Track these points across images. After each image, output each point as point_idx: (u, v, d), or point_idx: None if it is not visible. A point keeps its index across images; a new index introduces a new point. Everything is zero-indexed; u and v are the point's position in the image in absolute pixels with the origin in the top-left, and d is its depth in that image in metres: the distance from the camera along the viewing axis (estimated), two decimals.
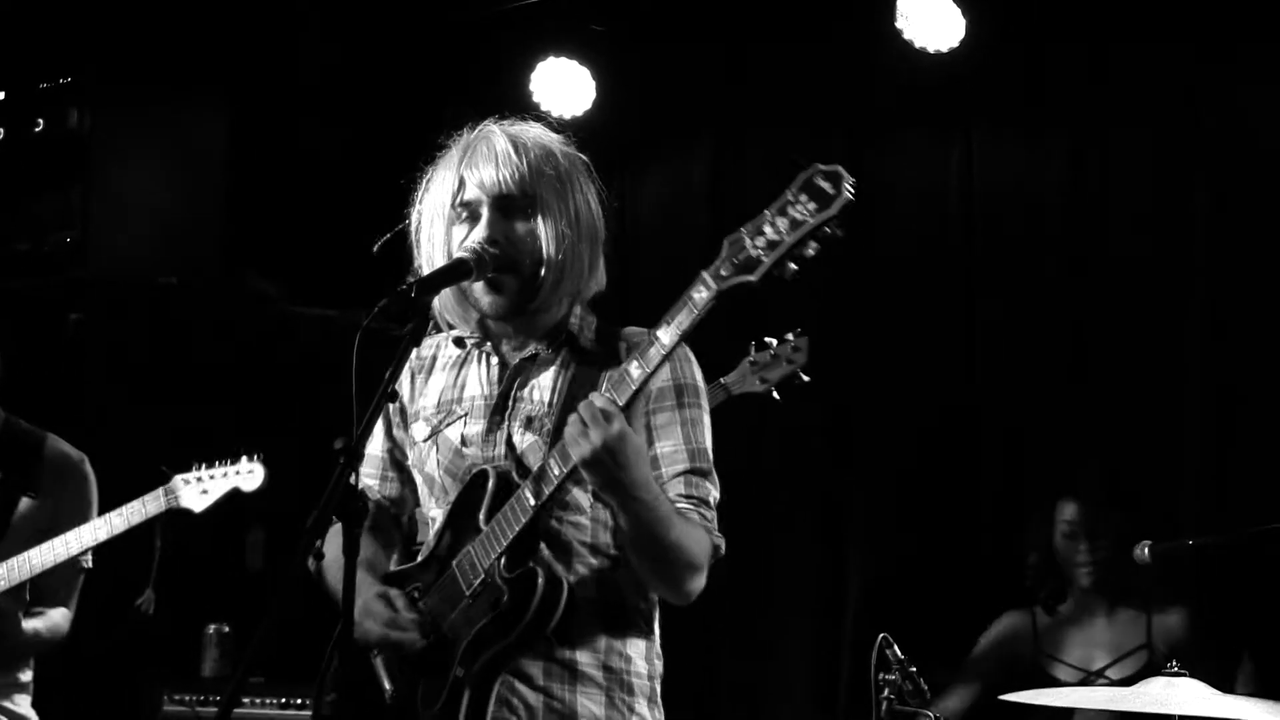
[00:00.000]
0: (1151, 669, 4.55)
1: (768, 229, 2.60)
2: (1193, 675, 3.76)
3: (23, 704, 4.35)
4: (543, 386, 3.03)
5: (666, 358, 2.73)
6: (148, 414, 5.85)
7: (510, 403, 3.04)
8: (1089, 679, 4.93)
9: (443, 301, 3.11)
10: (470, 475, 3.00)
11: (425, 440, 3.13)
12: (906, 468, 5.67)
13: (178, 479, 4.19)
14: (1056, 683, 4.92)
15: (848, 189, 2.55)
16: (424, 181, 3.18)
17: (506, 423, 3.03)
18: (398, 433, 3.23)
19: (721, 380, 4.39)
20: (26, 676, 4.37)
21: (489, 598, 2.85)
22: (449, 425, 3.09)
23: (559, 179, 3.08)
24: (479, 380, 3.11)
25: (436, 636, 2.92)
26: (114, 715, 5.55)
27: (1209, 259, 5.32)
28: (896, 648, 4.24)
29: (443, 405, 3.13)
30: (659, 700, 3.06)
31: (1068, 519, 5.04)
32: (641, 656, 3.02)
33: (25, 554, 4.17)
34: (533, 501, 2.83)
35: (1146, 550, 4.33)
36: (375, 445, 3.23)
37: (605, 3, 5.95)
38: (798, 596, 5.76)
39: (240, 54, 5.95)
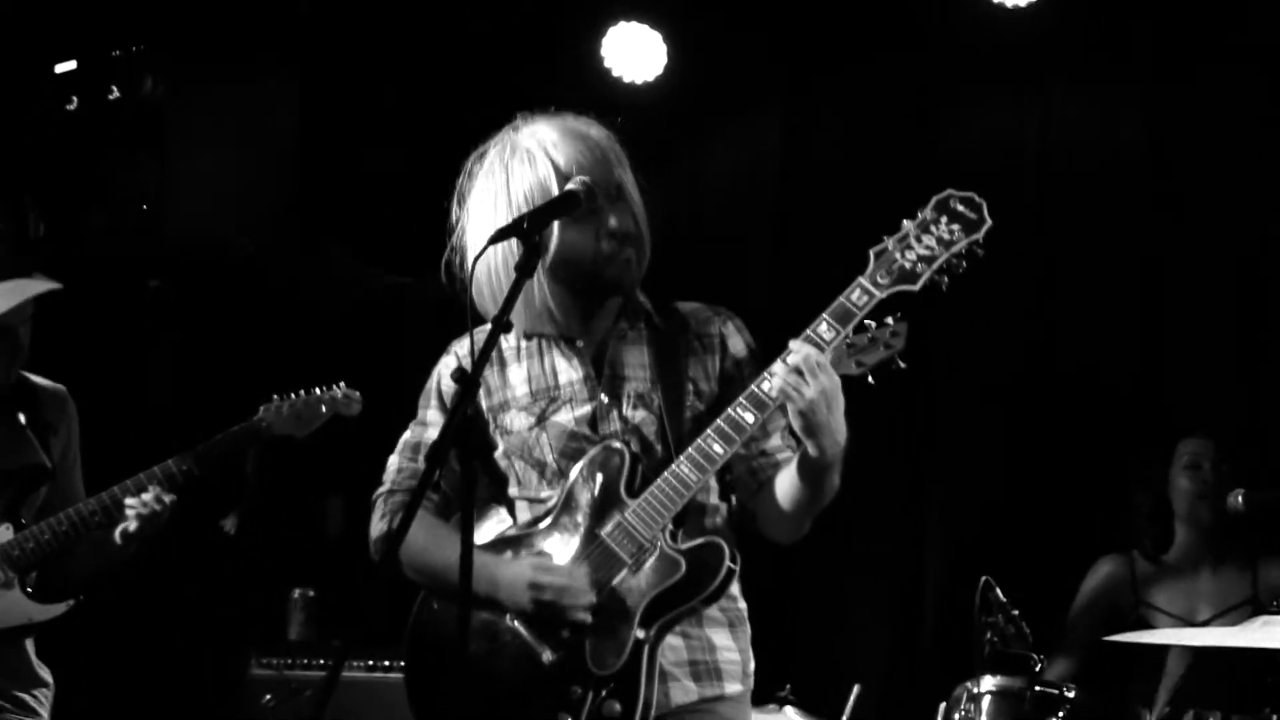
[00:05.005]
0: None
1: (917, 245, 2.96)
2: None
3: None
4: (637, 364, 3.15)
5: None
6: (225, 379, 5.84)
7: (613, 382, 3.13)
8: None
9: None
10: (600, 451, 3.08)
11: (531, 428, 3.15)
12: (988, 422, 5.64)
13: (266, 408, 4.15)
14: None
15: (988, 215, 2.98)
16: (497, 142, 3.16)
17: (616, 401, 3.12)
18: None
19: None
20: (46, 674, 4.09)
21: (661, 567, 3.01)
22: (555, 411, 3.14)
23: (632, 177, 3.17)
24: (569, 366, 3.16)
25: (599, 602, 3.02)
26: (202, 678, 5.57)
27: None
28: (999, 591, 4.20)
29: (538, 393, 3.17)
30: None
31: (1191, 450, 4.94)
32: (740, 593, 3.22)
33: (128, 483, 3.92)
34: (694, 477, 2.98)
35: (1241, 498, 4.29)
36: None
37: None
38: (881, 545, 5.74)
39: (312, 21, 5.94)
